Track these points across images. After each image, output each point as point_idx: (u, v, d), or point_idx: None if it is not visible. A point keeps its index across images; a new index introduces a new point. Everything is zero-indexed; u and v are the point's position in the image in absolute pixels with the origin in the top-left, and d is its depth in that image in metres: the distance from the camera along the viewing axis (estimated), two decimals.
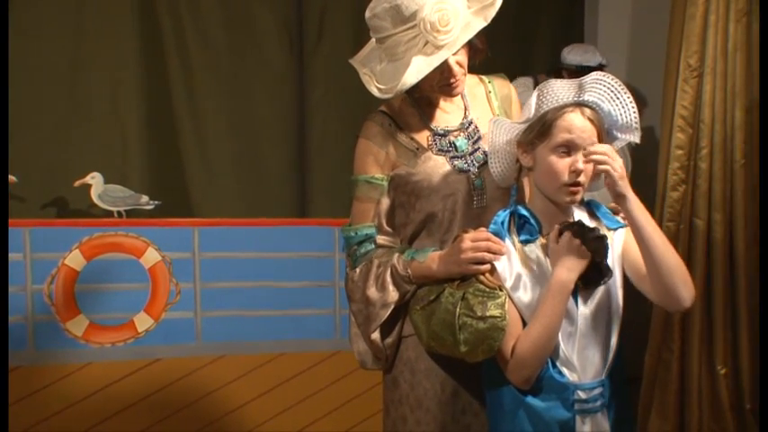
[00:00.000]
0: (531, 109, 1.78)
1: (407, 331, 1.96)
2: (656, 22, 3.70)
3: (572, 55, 3.76)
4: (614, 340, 1.78)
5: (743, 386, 3.32)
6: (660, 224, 3.35)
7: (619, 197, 1.73)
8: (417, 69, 1.80)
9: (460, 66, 1.89)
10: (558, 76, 3.73)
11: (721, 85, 3.27)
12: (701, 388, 3.35)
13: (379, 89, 1.88)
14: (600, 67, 3.74)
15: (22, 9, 3.26)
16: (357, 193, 1.98)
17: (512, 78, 2.12)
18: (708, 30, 3.26)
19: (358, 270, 1.95)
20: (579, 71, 3.55)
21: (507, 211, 1.83)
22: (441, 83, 1.89)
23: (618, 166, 1.70)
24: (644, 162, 3.82)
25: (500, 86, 2.08)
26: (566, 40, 4.00)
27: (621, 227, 1.83)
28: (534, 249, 1.79)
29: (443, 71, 1.86)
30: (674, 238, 3.33)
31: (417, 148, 1.95)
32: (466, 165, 1.94)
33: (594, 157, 1.70)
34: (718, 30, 3.25)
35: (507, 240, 1.79)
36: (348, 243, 1.99)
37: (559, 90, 1.75)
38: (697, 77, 3.29)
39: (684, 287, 1.75)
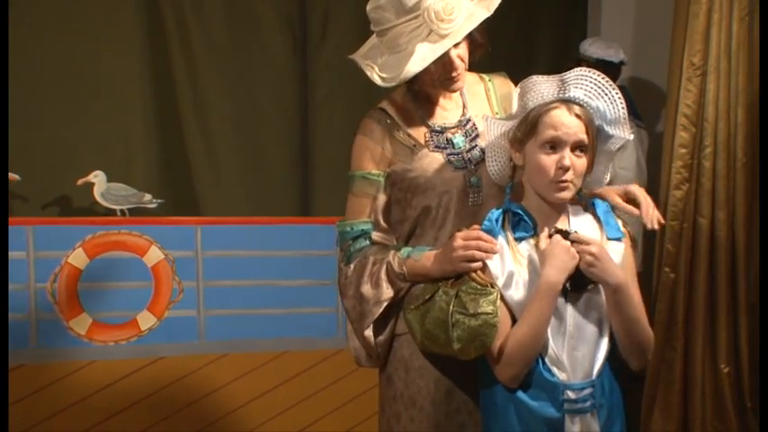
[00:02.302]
0: (515, 106, 1.79)
1: (401, 329, 1.96)
2: (660, 20, 3.69)
3: (594, 47, 3.71)
4: (605, 343, 1.79)
5: (744, 385, 3.32)
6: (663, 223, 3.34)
7: (605, 286, 1.75)
8: (422, 57, 1.80)
9: (462, 60, 1.89)
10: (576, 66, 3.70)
11: (725, 83, 3.27)
12: (705, 386, 3.35)
13: (381, 78, 1.87)
14: (620, 65, 3.73)
15: (24, 7, 3.26)
16: (353, 188, 1.99)
17: (513, 76, 2.12)
18: (711, 28, 3.26)
19: (352, 266, 1.95)
20: (598, 65, 3.52)
21: (501, 209, 1.83)
22: (442, 77, 1.89)
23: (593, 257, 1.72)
24: (647, 161, 3.82)
25: (500, 85, 2.07)
26: (568, 37, 3.99)
27: (620, 237, 1.84)
28: (527, 248, 1.80)
29: (445, 64, 1.86)
30: (677, 237, 3.33)
31: (414, 145, 1.95)
32: (462, 162, 1.94)
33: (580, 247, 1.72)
34: (721, 28, 3.25)
35: (501, 238, 1.80)
36: (343, 238, 1.99)
37: (543, 86, 1.76)
38: (700, 76, 3.28)
39: (634, 359, 1.83)
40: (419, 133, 1.97)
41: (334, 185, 3.61)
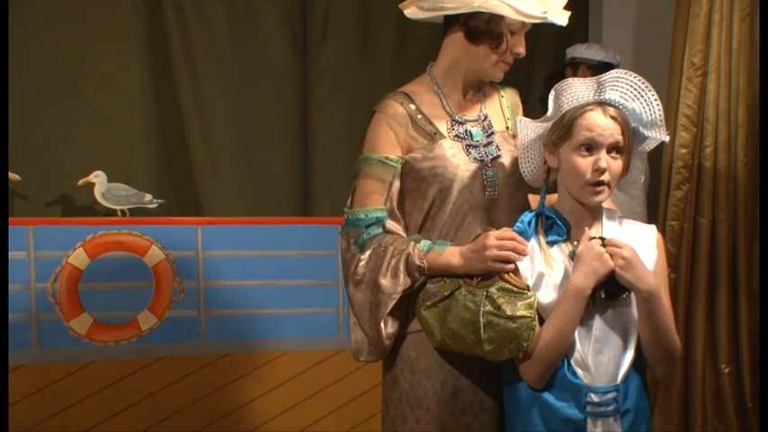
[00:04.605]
0: (550, 108, 1.78)
1: (411, 327, 1.95)
2: (661, 20, 3.69)
3: (592, 51, 3.74)
4: (631, 349, 1.78)
5: (745, 385, 3.32)
6: (664, 223, 3.35)
7: (637, 293, 1.74)
8: (559, 5, 1.89)
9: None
10: (575, 70, 3.72)
11: (725, 83, 3.27)
12: (705, 387, 3.35)
13: (515, 10, 1.84)
14: (616, 67, 3.75)
15: (24, 7, 3.25)
16: (367, 171, 1.95)
17: (514, 80, 2.13)
18: (712, 28, 3.27)
19: (367, 254, 1.92)
20: (601, 67, 3.55)
21: (534, 213, 1.83)
22: (501, 59, 1.92)
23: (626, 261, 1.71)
24: (648, 161, 3.81)
25: (510, 95, 2.11)
26: (569, 38, 3.99)
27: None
28: (559, 252, 1.80)
29: (516, 44, 1.91)
30: (677, 237, 3.33)
31: (435, 133, 1.95)
32: (480, 155, 1.94)
33: (611, 249, 1.71)
34: (722, 28, 3.26)
35: (533, 240, 1.80)
36: (354, 225, 1.95)
37: (578, 89, 1.76)
38: (701, 76, 3.29)
39: (660, 366, 1.83)
40: (440, 121, 1.96)
41: (334, 185, 3.61)
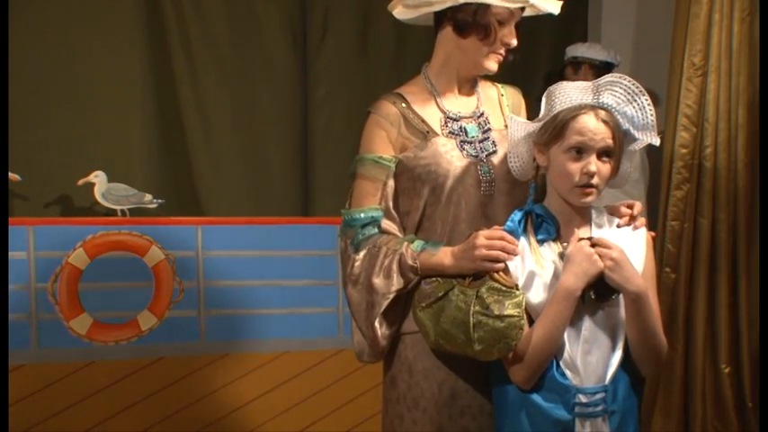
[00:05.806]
0: (542, 109, 1.78)
1: (407, 328, 1.94)
2: (661, 20, 3.69)
3: (593, 51, 3.75)
4: (620, 349, 1.77)
5: (745, 384, 3.32)
6: (664, 223, 3.35)
7: (625, 294, 1.73)
8: None
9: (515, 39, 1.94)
10: (577, 69, 3.72)
11: (726, 83, 3.27)
12: (705, 387, 3.35)
13: None
14: (617, 67, 3.76)
15: (24, 6, 3.25)
16: (362, 171, 1.95)
17: (513, 80, 2.13)
18: (712, 28, 3.27)
19: (362, 254, 1.92)
20: (603, 67, 3.55)
21: (523, 211, 1.83)
22: (492, 50, 1.92)
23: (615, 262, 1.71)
24: (648, 161, 3.82)
25: (512, 94, 2.10)
26: (569, 38, 3.99)
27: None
28: (549, 251, 1.79)
29: (505, 35, 1.90)
30: (678, 238, 3.33)
31: (428, 132, 1.94)
32: (475, 151, 1.94)
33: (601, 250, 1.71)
34: (722, 28, 3.26)
35: (523, 239, 1.80)
36: (350, 226, 1.95)
37: (572, 92, 1.76)
38: (701, 76, 3.29)
39: (647, 366, 1.81)
40: (434, 120, 1.96)
41: (333, 185, 3.61)
